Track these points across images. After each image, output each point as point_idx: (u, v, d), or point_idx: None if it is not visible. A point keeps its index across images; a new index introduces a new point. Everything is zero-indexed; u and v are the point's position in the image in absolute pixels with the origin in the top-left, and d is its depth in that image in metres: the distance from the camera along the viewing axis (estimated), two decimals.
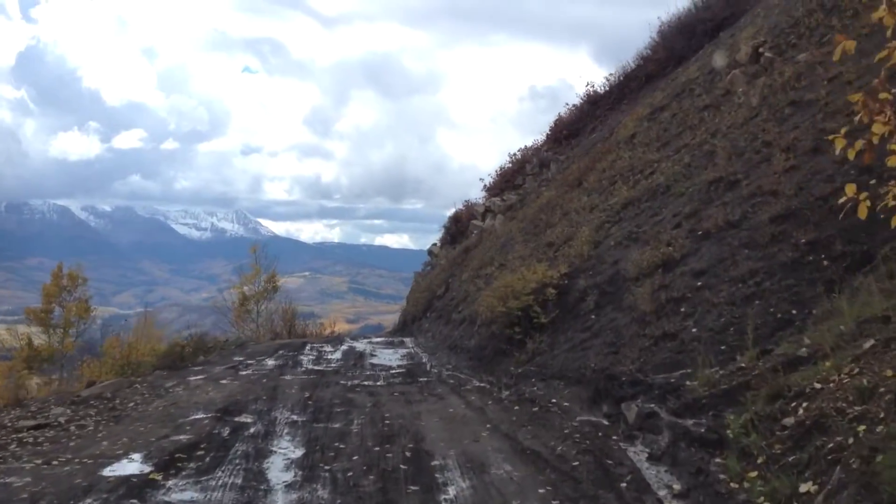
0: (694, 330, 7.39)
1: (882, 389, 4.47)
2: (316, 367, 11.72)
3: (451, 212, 25.39)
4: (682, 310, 7.85)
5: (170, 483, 5.58)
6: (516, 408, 8.03)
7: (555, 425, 6.99)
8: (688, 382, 6.50)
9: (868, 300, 6.07)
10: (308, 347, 14.62)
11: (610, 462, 5.80)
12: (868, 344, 5.17)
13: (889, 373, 4.59)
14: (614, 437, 6.49)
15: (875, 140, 3.89)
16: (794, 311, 6.91)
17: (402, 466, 5.92)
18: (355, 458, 6.21)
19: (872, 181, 6.03)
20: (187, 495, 5.33)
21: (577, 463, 5.81)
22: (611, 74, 23.20)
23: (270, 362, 12.52)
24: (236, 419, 7.82)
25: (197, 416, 7.92)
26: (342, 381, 10.14)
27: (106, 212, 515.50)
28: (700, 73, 15.56)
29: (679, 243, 9.01)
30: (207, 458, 6.24)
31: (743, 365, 6.16)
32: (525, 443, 6.54)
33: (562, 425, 6.94)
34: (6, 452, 6.65)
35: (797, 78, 10.90)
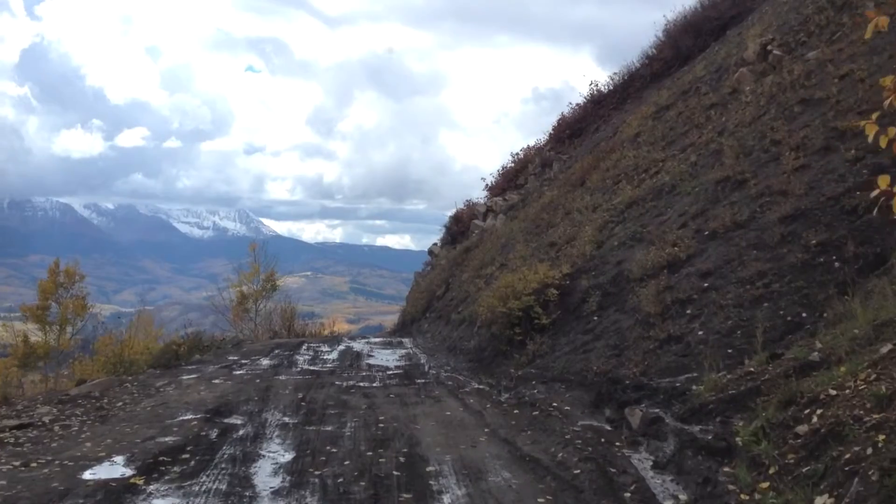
0: (700, 332, 7.16)
1: None
2: (311, 368, 11.48)
3: (452, 212, 25.16)
4: (688, 312, 7.61)
5: (151, 488, 5.34)
6: (516, 411, 7.80)
7: (555, 430, 6.73)
8: (694, 387, 6.31)
9: (882, 303, 5.87)
10: (305, 347, 14.40)
11: (613, 470, 5.55)
12: (886, 349, 4.95)
13: None
14: (617, 444, 6.24)
15: None
16: (804, 314, 6.71)
17: (395, 472, 5.69)
18: (347, 462, 5.98)
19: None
20: (168, 502, 5.09)
21: (578, 471, 5.56)
22: (615, 74, 23.00)
23: (265, 362, 12.28)
24: (226, 420, 7.59)
25: (185, 417, 7.68)
26: (337, 382, 9.90)
27: (108, 210, 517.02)
28: (707, 71, 15.32)
29: (685, 243, 8.77)
30: (192, 462, 6.01)
31: (752, 369, 5.95)
32: (524, 448, 6.31)
33: (563, 430, 6.68)
34: None
35: (807, 76, 10.70)
